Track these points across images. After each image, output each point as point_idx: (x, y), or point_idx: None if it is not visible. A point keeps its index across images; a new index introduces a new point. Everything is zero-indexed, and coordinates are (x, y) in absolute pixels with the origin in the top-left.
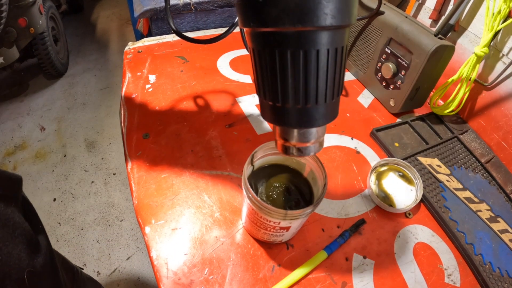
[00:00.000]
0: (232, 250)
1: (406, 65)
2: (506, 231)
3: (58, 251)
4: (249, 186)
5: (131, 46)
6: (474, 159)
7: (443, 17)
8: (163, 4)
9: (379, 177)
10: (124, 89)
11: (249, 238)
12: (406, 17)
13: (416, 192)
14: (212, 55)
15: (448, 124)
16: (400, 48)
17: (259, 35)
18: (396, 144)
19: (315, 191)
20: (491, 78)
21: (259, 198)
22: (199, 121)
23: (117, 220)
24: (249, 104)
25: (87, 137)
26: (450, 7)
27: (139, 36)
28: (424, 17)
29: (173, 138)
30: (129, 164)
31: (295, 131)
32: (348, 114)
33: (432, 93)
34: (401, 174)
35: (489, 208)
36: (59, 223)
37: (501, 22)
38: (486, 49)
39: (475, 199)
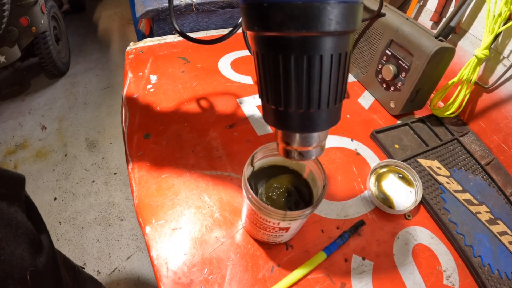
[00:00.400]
0: (231, 250)
1: (406, 67)
2: (505, 233)
3: (59, 250)
4: (249, 187)
5: (132, 46)
6: (474, 161)
7: (444, 19)
8: (165, 4)
9: (378, 178)
10: (125, 89)
11: (248, 238)
12: (407, 19)
13: (416, 194)
14: (213, 56)
15: (448, 126)
16: (401, 50)
17: (263, 39)
18: (396, 146)
19: (315, 192)
20: (491, 80)
21: (258, 199)
22: (200, 121)
23: (117, 219)
24: (250, 105)
25: (88, 136)
26: (451, 9)
27: (140, 36)
28: (425, 19)
29: (174, 139)
30: (130, 164)
31: (297, 135)
32: (348, 116)
33: (432, 95)
34: (400, 175)
35: (488, 210)
36: (60, 222)
37: (501, 24)
38: (486, 52)
39: (475, 201)
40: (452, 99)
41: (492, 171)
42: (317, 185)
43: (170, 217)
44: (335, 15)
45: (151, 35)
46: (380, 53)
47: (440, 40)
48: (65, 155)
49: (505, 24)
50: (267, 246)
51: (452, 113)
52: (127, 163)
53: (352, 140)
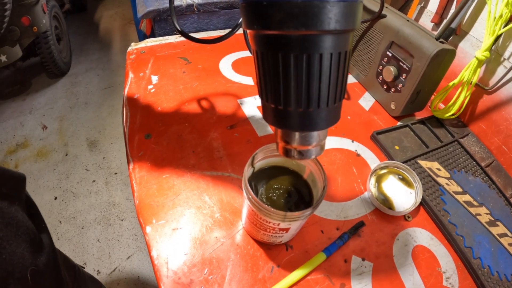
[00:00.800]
0: (231, 250)
1: (407, 68)
2: (505, 235)
3: (59, 250)
4: (249, 188)
5: (134, 46)
6: (474, 162)
7: (444, 21)
8: (166, 5)
9: (379, 180)
10: (126, 90)
11: (248, 239)
12: (408, 20)
13: (416, 195)
14: (214, 57)
15: (449, 127)
16: (402, 51)
17: (263, 37)
18: (397, 147)
19: (315, 193)
20: (492, 82)
21: (259, 200)
22: (200, 122)
23: (117, 219)
24: (251, 105)
25: (89, 136)
26: (452, 11)
27: (142, 36)
28: (426, 21)
29: (174, 139)
30: (131, 164)
31: (297, 134)
32: (349, 117)
33: (433, 96)
34: (401, 177)
35: (488, 212)
36: (60, 222)
37: (502, 26)
38: (487, 53)
39: (475, 203)
40: (452, 100)
41: (492, 172)
42: (317, 186)
43: (171, 217)
44: (334, 13)
45: (152, 35)
46: (380, 55)
47: (441, 42)
48: (66, 155)
49: (506, 25)
50: (267, 246)
51: (453, 114)
52: (128, 163)
53: (352, 141)
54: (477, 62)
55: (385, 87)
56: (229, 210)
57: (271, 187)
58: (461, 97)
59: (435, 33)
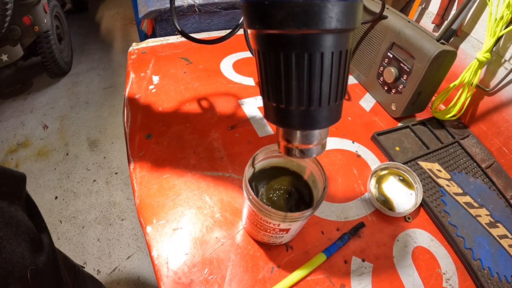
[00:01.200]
0: (232, 251)
1: (408, 69)
2: (505, 236)
3: (59, 249)
4: (249, 188)
5: (135, 46)
6: (474, 164)
7: (445, 22)
8: (168, 5)
9: (379, 181)
10: (127, 90)
11: (249, 239)
12: (409, 21)
13: (416, 196)
14: (215, 57)
15: (449, 129)
16: (402, 52)
17: (264, 37)
18: (397, 148)
19: (315, 194)
20: (492, 83)
21: (259, 200)
22: (201, 122)
23: (118, 219)
24: (252, 106)
25: (89, 136)
26: (453, 12)
27: (143, 36)
28: (427, 22)
29: (175, 139)
30: (132, 164)
31: (298, 133)
32: (349, 118)
33: (433, 98)
34: (401, 178)
35: (488, 213)
36: (60, 221)
37: (503, 27)
38: (488, 55)
39: (475, 204)
40: (453, 102)
41: (493, 174)
42: (317, 187)
43: (171, 217)
44: (335, 13)
45: (154, 35)
46: (381, 56)
47: (442, 43)
48: (67, 154)
49: (507, 27)
50: (267, 247)
51: (453, 116)
52: (129, 163)
53: (353, 142)
54: (478, 64)
55: (386, 88)
56: (230, 211)
57: (272, 187)
58: (462, 99)
59: (436, 34)
